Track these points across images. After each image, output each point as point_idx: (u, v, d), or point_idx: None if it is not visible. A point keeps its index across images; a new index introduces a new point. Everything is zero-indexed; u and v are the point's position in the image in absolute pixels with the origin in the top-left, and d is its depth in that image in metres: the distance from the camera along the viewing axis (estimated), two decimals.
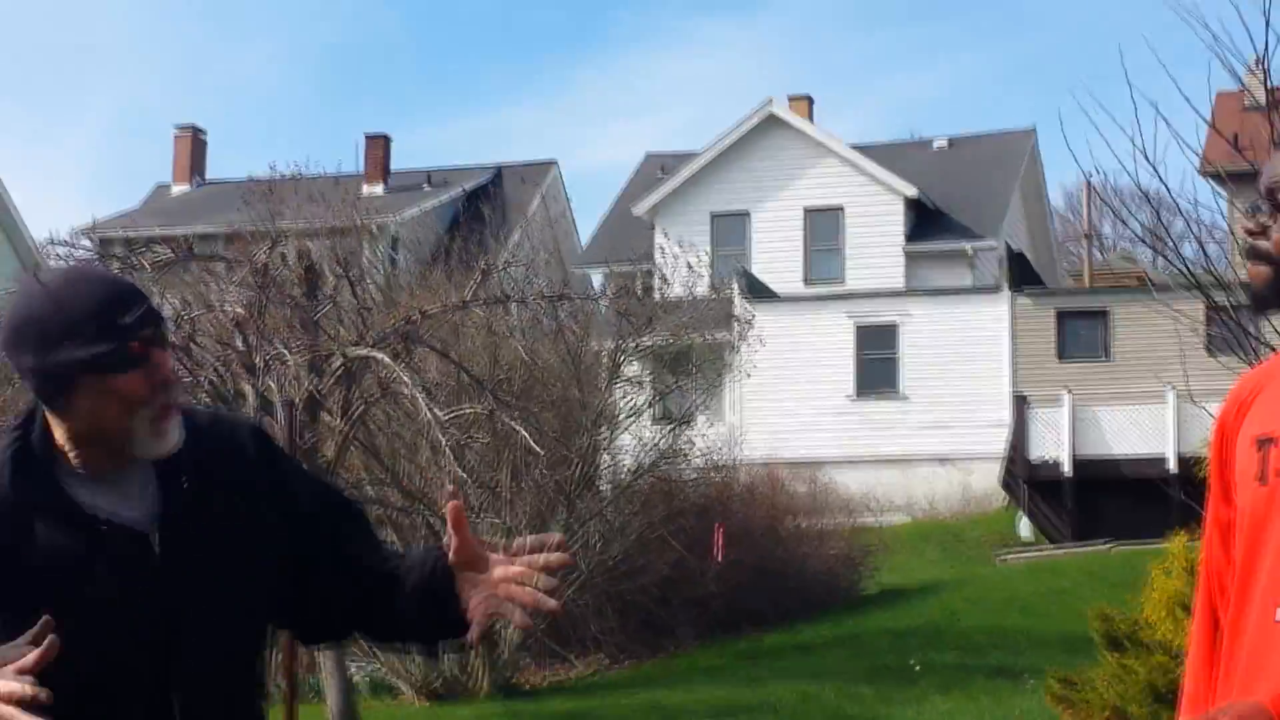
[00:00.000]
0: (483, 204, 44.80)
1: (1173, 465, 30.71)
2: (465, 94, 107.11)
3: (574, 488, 19.93)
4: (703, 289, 29.62)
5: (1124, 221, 21.65)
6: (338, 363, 15.79)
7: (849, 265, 42.00)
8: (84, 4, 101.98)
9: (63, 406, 2.93)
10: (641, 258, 33.15)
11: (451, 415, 16.25)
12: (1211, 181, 15.56)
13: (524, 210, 47.05)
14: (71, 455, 2.97)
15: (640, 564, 20.86)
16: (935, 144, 47.42)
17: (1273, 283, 3.04)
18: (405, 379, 15.19)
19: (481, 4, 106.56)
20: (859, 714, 16.41)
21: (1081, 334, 36.35)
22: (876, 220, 42.21)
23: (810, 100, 46.99)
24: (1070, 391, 33.61)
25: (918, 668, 18.28)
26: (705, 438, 23.80)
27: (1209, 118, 11.86)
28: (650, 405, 22.92)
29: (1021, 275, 37.91)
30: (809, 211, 42.57)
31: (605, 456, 21.58)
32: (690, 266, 28.31)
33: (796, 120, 44.13)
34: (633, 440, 22.03)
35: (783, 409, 36.71)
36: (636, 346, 21.50)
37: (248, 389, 15.67)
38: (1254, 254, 3.06)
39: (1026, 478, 33.23)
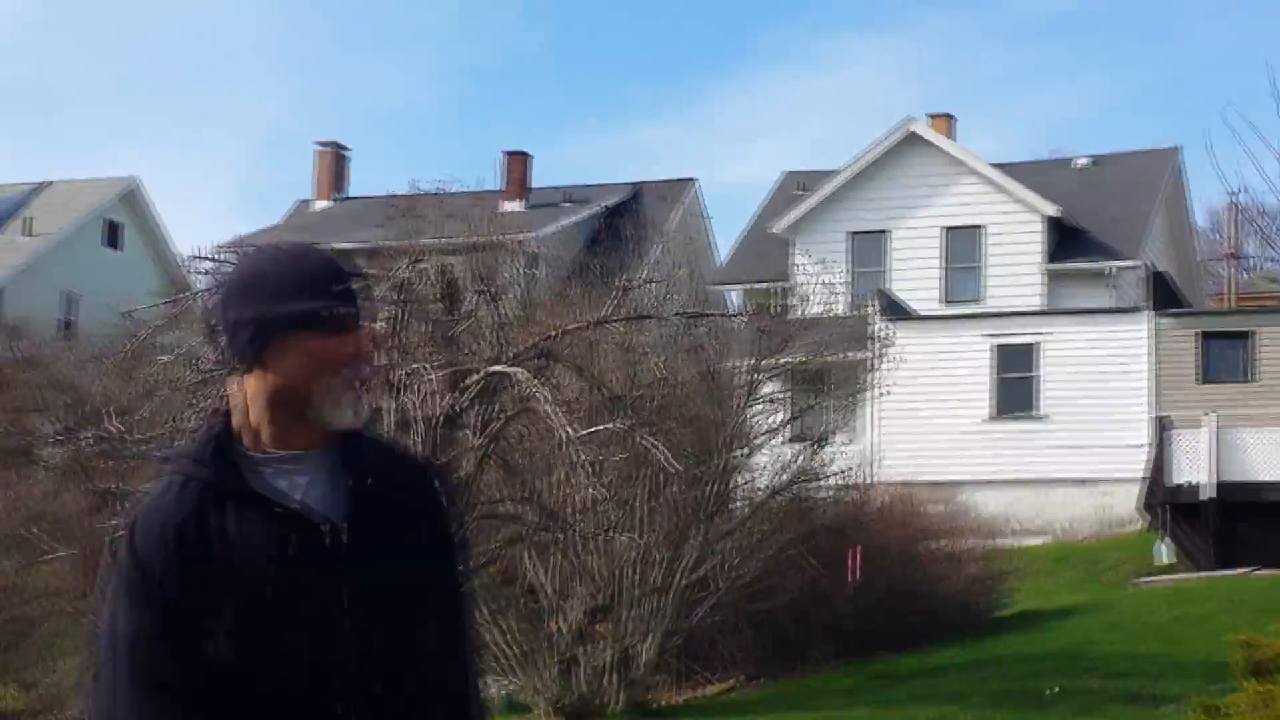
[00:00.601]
0: (621, 221, 44.94)
1: None
2: (605, 112, 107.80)
3: (709, 506, 19.93)
4: (841, 308, 29.57)
5: (1270, 242, 21.41)
6: (476, 379, 15.89)
7: (988, 284, 41.76)
8: (230, 25, 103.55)
9: (263, 364, 3.10)
10: (779, 276, 33.15)
11: (588, 432, 16.30)
12: None
13: (662, 228, 47.13)
14: (263, 430, 3.12)
15: (774, 583, 20.84)
16: (1077, 162, 47.04)
17: None
18: (543, 395, 15.26)
19: (623, 24, 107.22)
20: None
21: (1224, 356, 35.90)
22: (1016, 239, 41.92)
23: (951, 118, 46.75)
24: (1213, 414, 33.16)
25: (1052, 693, 18.09)
26: (843, 456, 23.73)
27: None
28: (786, 424, 22.89)
29: (1163, 296, 37.53)
30: (948, 230, 42.37)
31: (740, 475, 21.58)
32: (828, 285, 28.26)
33: (937, 138, 43.94)
34: (769, 459, 22.01)
35: (919, 429, 36.54)
36: (774, 365, 21.48)
37: (386, 404, 15.80)
38: None
39: (1167, 501, 32.81)
